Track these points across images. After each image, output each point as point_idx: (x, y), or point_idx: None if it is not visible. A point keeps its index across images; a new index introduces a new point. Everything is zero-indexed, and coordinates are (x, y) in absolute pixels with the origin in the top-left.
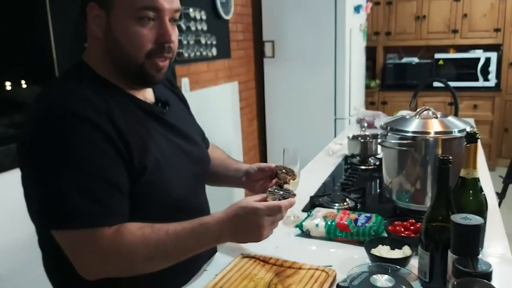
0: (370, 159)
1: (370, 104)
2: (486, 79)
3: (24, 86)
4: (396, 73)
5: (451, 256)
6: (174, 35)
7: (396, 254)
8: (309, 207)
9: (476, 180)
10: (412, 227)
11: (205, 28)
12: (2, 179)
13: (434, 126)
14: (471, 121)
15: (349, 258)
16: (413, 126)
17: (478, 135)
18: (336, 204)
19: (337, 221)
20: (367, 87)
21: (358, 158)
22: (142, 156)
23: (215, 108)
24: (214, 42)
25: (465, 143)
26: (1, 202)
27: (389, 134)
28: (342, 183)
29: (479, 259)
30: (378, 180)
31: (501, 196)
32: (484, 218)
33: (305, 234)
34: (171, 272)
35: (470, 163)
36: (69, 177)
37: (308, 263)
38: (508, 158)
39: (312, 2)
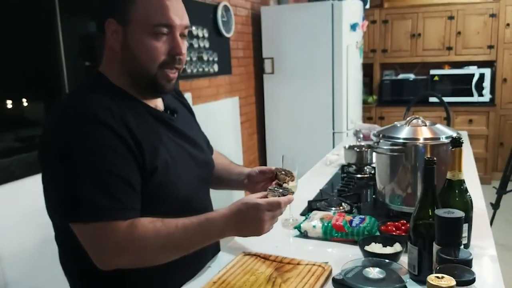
0: (365, 168)
1: (367, 119)
2: (480, 94)
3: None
4: (392, 89)
5: (435, 247)
6: (184, 48)
7: (388, 250)
8: (307, 211)
9: (462, 181)
10: (403, 227)
11: (207, 45)
12: (15, 187)
13: (423, 133)
14: (464, 134)
15: (344, 256)
16: (403, 133)
17: (461, 139)
18: (333, 208)
19: (333, 222)
20: (365, 102)
21: (354, 167)
22: (153, 158)
23: (216, 122)
24: (216, 59)
25: (451, 147)
26: (13, 208)
27: (381, 141)
28: (338, 190)
29: (460, 249)
30: (373, 188)
31: (495, 206)
32: (470, 216)
33: (303, 235)
34: (177, 268)
35: (455, 165)
36: (88, 174)
37: (306, 260)
38: None
39: (309, 20)
